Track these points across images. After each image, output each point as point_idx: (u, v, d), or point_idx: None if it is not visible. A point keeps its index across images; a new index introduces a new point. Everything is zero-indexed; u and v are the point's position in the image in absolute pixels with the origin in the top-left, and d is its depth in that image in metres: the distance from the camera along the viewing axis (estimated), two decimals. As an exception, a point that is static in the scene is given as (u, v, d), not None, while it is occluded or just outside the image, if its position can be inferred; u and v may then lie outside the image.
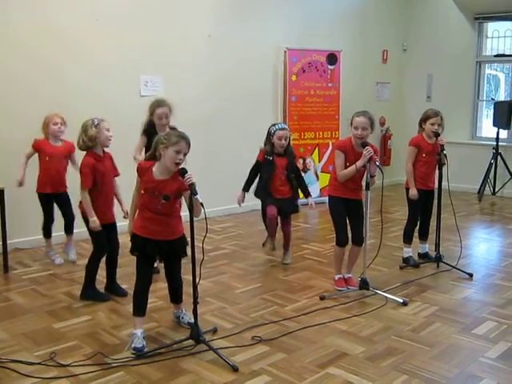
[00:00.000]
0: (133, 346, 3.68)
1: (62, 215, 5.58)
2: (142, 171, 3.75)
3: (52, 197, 5.47)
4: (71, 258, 5.62)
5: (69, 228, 5.60)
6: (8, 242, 5.43)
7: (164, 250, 3.80)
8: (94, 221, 4.43)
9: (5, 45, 5.81)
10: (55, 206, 5.57)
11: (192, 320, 3.77)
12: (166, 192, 3.70)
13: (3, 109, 5.85)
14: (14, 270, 5.40)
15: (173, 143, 3.60)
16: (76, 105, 6.08)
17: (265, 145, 5.50)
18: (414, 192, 5.41)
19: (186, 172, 3.62)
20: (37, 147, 5.39)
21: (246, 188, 5.59)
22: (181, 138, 3.65)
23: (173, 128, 5.12)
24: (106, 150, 4.60)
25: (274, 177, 5.42)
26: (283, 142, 5.36)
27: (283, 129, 5.41)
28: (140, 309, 3.83)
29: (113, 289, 4.74)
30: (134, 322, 3.83)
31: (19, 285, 5.03)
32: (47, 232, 5.62)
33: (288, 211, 5.56)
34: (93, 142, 4.43)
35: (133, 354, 3.64)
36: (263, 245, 5.90)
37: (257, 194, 5.59)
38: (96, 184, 4.45)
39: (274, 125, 5.49)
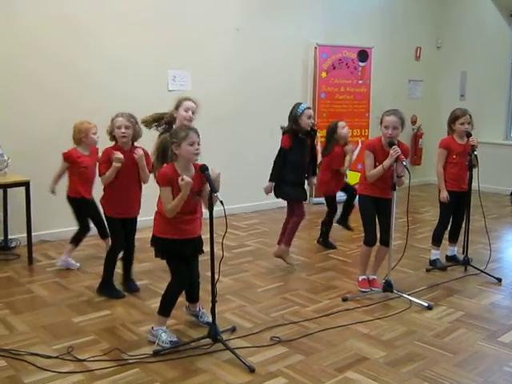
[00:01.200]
0: (169, 339, 3.67)
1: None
2: (173, 179, 3.57)
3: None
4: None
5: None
6: (34, 233, 5.48)
7: (190, 247, 3.74)
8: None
9: (28, 46, 5.85)
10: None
11: (208, 320, 3.72)
12: (197, 188, 3.66)
13: (28, 107, 5.90)
14: (39, 262, 5.44)
15: (183, 137, 3.54)
16: (103, 102, 6.09)
17: (288, 127, 5.25)
18: (444, 195, 5.28)
19: (207, 169, 3.56)
20: (68, 158, 5.15)
21: (274, 178, 5.27)
22: (187, 129, 3.62)
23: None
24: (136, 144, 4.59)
25: (304, 160, 5.27)
26: (312, 120, 5.24)
27: (309, 107, 5.30)
28: (171, 310, 3.79)
29: (126, 285, 4.74)
30: (161, 320, 3.77)
31: (43, 277, 5.06)
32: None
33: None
34: (110, 135, 4.49)
35: (156, 350, 3.60)
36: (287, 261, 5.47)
37: (282, 182, 5.26)
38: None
39: (298, 105, 5.24)
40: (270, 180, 5.30)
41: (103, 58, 6.31)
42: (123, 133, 4.41)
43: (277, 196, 5.42)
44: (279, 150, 5.27)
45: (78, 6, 6.09)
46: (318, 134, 5.65)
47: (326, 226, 6.20)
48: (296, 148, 5.21)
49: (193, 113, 4.85)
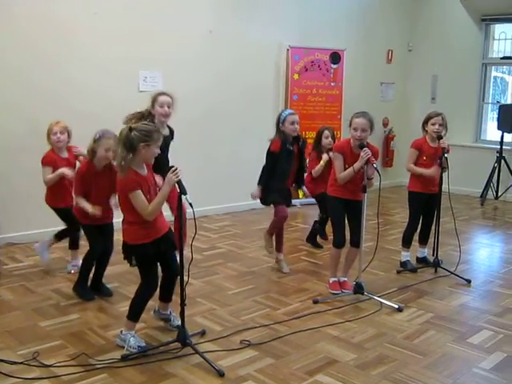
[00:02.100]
0: (137, 344, 3.60)
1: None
2: (140, 181, 3.50)
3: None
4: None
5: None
6: (0, 236, 5.38)
7: (165, 243, 3.67)
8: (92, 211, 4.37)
9: (4, 37, 5.74)
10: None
11: (178, 324, 3.68)
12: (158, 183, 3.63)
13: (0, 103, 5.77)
14: (5, 265, 5.33)
15: (156, 140, 3.49)
16: (74, 99, 6.02)
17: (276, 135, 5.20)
18: (428, 171, 5.23)
19: (174, 168, 3.50)
20: (50, 163, 4.88)
21: (263, 183, 5.19)
22: (158, 132, 3.55)
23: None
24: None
25: (291, 168, 5.22)
26: (296, 126, 5.12)
27: (293, 113, 5.19)
28: (140, 315, 3.73)
29: (98, 288, 4.67)
30: (130, 325, 3.70)
31: (9, 280, 4.96)
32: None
33: (289, 204, 5.38)
34: (90, 154, 4.39)
35: (124, 355, 3.54)
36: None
37: (269, 189, 5.18)
38: (88, 191, 4.42)
39: (281, 112, 5.25)
40: (259, 184, 5.21)
41: (76, 55, 6.21)
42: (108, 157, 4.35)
43: (266, 204, 5.34)
44: (268, 155, 5.18)
45: (56, 6, 6.00)
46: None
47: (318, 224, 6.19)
48: (283, 155, 5.13)
49: (168, 107, 4.79)
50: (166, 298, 3.95)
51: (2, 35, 5.74)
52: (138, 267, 3.72)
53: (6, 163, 5.61)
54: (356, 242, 4.69)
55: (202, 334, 3.92)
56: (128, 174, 3.48)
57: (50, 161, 4.88)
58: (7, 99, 5.79)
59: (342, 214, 4.74)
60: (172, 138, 5.06)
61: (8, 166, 5.54)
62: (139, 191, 3.46)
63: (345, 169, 4.58)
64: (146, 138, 3.46)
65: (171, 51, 6.97)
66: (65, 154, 5.00)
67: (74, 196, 4.47)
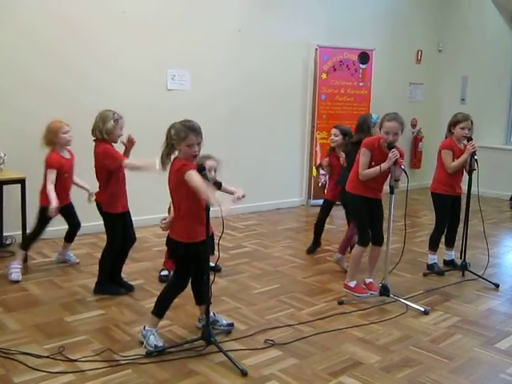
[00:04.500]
0: (154, 343, 3.59)
1: (69, 224, 5.28)
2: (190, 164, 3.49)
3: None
4: (74, 261, 5.39)
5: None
6: (29, 231, 5.41)
7: (205, 247, 3.64)
8: None
9: (23, 42, 5.78)
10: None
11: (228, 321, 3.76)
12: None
13: (26, 104, 5.81)
14: (33, 260, 5.39)
15: (182, 139, 3.47)
16: (102, 100, 6.01)
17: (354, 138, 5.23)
18: (470, 149, 5.04)
19: (204, 169, 3.50)
20: (58, 166, 4.84)
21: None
22: (188, 130, 3.47)
23: None
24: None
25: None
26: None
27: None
28: (165, 312, 3.73)
29: (119, 283, 4.69)
30: (154, 320, 3.71)
31: (37, 275, 5.01)
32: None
33: None
34: (109, 135, 4.38)
35: (148, 351, 3.56)
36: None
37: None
38: (111, 172, 4.43)
39: (369, 116, 5.28)
40: None
41: (101, 57, 6.25)
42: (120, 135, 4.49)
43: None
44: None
45: (76, 5, 6.03)
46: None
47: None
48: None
49: None
50: (203, 301, 3.81)
51: (26, 42, 5.78)
52: (176, 264, 3.76)
53: (32, 162, 5.62)
54: (378, 241, 4.65)
55: (227, 332, 3.92)
56: (175, 161, 3.53)
57: (56, 162, 4.84)
58: (34, 103, 5.81)
59: (365, 212, 4.67)
60: None
61: (35, 165, 5.56)
62: (193, 169, 3.42)
63: (370, 166, 4.53)
64: (174, 136, 3.50)
65: (200, 50, 6.98)
66: (67, 154, 4.99)
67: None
